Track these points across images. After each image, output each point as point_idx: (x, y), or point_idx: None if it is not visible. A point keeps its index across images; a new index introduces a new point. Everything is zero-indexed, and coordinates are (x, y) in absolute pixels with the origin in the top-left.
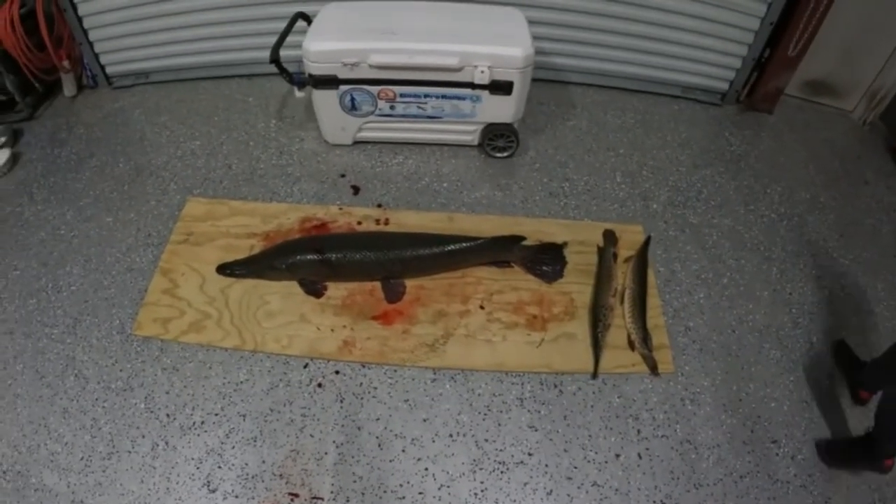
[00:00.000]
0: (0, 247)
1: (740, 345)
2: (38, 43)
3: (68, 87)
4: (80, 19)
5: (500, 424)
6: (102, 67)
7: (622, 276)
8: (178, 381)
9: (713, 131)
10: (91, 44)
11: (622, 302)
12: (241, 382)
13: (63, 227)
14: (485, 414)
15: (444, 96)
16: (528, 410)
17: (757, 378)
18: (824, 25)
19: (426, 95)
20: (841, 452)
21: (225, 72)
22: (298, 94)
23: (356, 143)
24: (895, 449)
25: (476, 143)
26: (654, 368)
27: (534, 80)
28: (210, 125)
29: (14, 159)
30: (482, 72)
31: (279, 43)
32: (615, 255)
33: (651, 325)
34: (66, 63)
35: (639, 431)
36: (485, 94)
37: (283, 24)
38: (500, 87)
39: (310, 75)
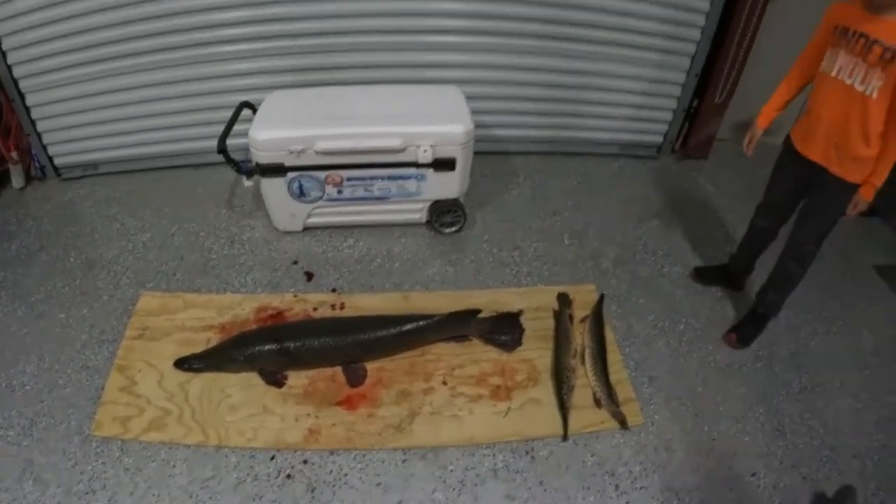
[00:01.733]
0: None
1: (705, 386)
2: None
3: (16, 179)
4: (27, 109)
5: (476, 498)
6: (51, 158)
7: (580, 337)
8: (142, 482)
9: (653, 184)
10: (39, 134)
11: (583, 362)
12: (208, 479)
13: (14, 324)
14: (459, 490)
15: (389, 177)
16: (503, 481)
17: (727, 416)
18: (746, 70)
19: (372, 178)
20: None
21: (174, 162)
22: (247, 183)
23: (307, 228)
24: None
25: (425, 220)
26: (623, 423)
27: (476, 153)
28: (161, 216)
29: None
30: (425, 151)
31: (225, 133)
32: (571, 317)
33: (615, 381)
34: (14, 154)
35: (617, 487)
36: (429, 172)
37: (229, 114)
38: (444, 165)
39: (257, 164)
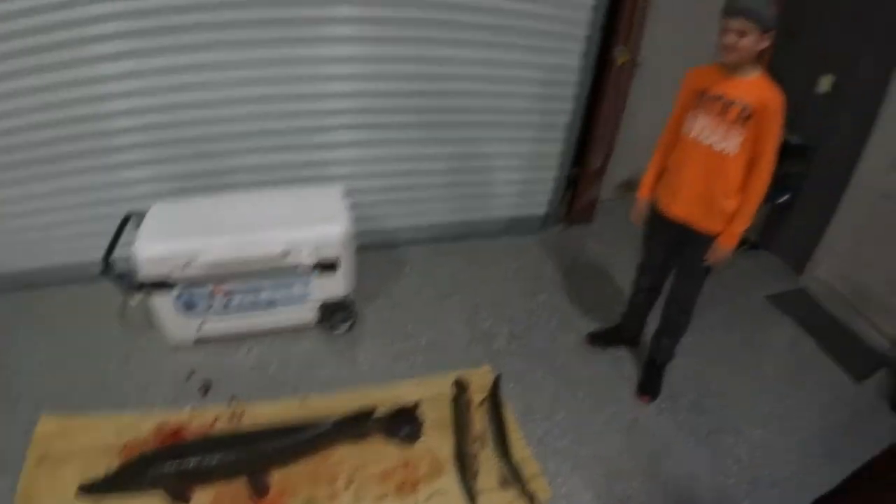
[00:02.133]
0: None
1: (612, 448)
2: None
3: None
4: None
5: None
6: None
7: (480, 420)
8: None
9: (541, 255)
10: None
11: (485, 445)
12: None
13: None
14: None
15: (275, 284)
16: None
17: (638, 473)
18: (620, 132)
19: (259, 285)
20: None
21: (63, 277)
22: (135, 299)
23: (200, 340)
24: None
25: (315, 322)
26: (532, 500)
27: (364, 246)
28: (51, 336)
29: None
30: (306, 255)
31: (110, 250)
32: (469, 402)
33: (519, 459)
34: None
35: None
36: (313, 274)
37: (115, 224)
38: (327, 267)
39: (142, 280)
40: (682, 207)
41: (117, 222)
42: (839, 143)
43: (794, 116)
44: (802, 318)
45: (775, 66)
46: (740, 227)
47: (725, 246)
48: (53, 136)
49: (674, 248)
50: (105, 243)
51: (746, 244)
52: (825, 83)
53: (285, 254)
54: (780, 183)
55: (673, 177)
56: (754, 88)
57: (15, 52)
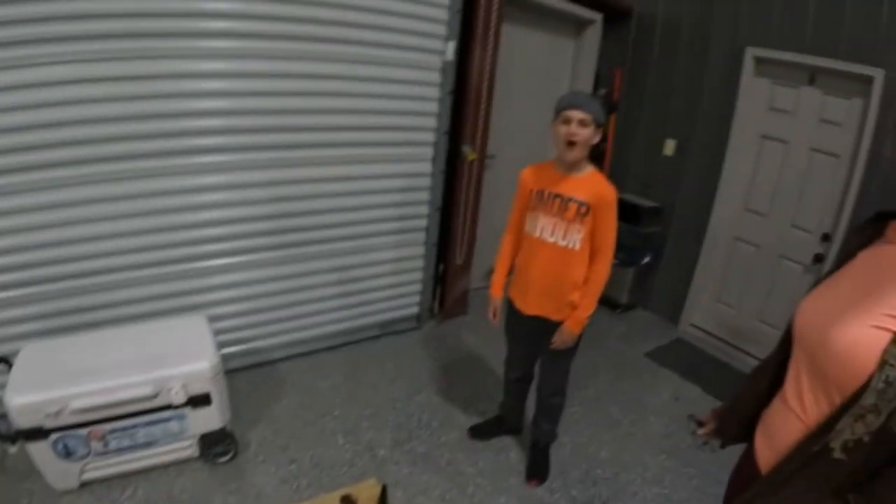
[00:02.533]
0: None
1: None
2: None
3: None
4: None
5: None
6: None
7: None
8: None
9: (419, 354)
10: None
11: None
12: None
13: None
14: None
15: (150, 423)
16: None
17: None
18: (482, 222)
19: (134, 426)
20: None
21: None
22: (11, 449)
23: (84, 485)
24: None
25: (197, 454)
26: None
27: (240, 369)
28: None
29: None
30: (176, 392)
31: None
32: None
33: None
34: None
35: None
36: (187, 410)
37: None
38: (199, 401)
39: (16, 430)
40: (534, 303)
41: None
42: (690, 199)
43: (648, 180)
44: (682, 367)
45: (623, 135)
46: (585, 312)
47: (571, 330)
48: None
49: (534, 338)
50: None
51: (619, 308)
52: (669, 147)
53: (156, 394)
54: (641, 246)
55: (522, 275)
56: (588, 184)
57: None
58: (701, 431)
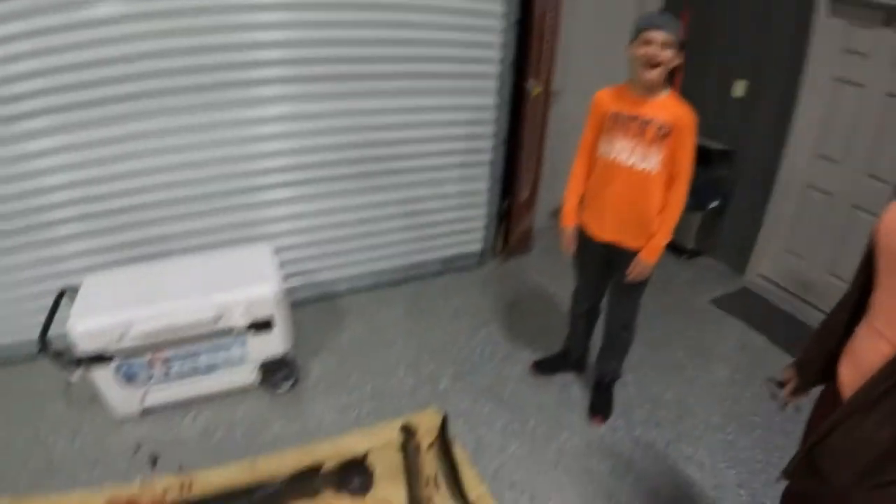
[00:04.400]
0: None
1: (569, 473)
2: None
3: None
4: None
5: None
6: None
7: (431, 463)
8: None
9: (481, 291)
10: None
11: (439, 488)
12: None
13: None
14: None
15: (212, 347)
16: None
17: (599, 495)
18: (546, 161)
19: (196, 351)
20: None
21: (3, 356)
22: (75, 375)
23: (145, 411)
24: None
25: (258, 382)
26: None
27: (302, 301)
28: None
29: None
30: (239, 316)
31: (45, 328)
32: (418, 447)
33: (475, 497)
34: None
35: None
36: (249, 335)
37: (50, 301)
38: (261, 326)
39: (80, 356)
40: (609, 229)
41: (52, 298)
42: (760, 143)
43: (714, 123)
44: (749, 316)
45: (691, 76)
46: (662, 241)
47: (647, 260)
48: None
49: (605, 269)
50: (42, 321)
51: (685, 254)
52: (739, 88)
53: (217, 317)
54: (709, 189)
55: (596, 200)
56: (667, 106)
57: None
58: (784, 391)
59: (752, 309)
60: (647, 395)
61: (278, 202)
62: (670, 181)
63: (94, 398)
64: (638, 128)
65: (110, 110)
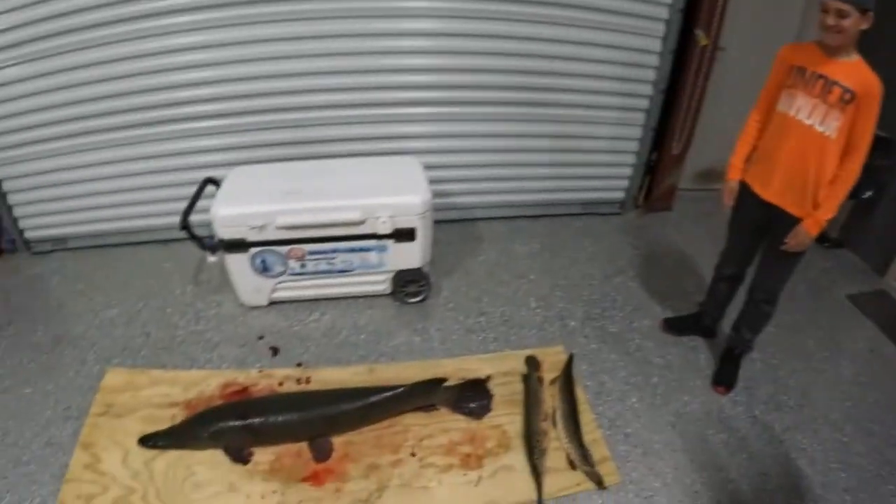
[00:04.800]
0: None
1: (684, 437)
2: None
3: None
4: None
5: None
6: (21, 232)
7: (551, 399)
8: None
9: (618, 239)
10: (10, 207)
11: (555, 424)
12: None
13: None
14: None
15: (351, 250)
16: None
17: (708, 465)
18: (701, 120)
19: (334, 251)
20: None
21: (142, 237)
22: (211, 259)
23: (272, 302)
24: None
25: (389, 291)
26: (599, 483)
27: (440, 221)
28: (128, 292)
29: None
30: (384, 222)
31: (188, 209)
32: (541, 380)
33: (589, 441)
34: None
35: None
36: (390, 243)
37: (193, 190)
38: (404, 235)
39: (220, 240)
40: (774, 189)
41: (194, 188)
42: None
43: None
44: (883, 321)
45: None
46: (827, 214)
47: (809, 231)
48: (128, 104)
49: (760, 233)
50: (182, 208)
51: (828, 242)
52: None
53: (362, 220)
54: (864, 177)
55: (767, 157)
56: (855, 71)
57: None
58: None
59: (887, 313)
60: (772, 377)
61: (424, 119)
62: (846, 152)
63: (221, 286)
64: (822, 87)
65: (259, 10)
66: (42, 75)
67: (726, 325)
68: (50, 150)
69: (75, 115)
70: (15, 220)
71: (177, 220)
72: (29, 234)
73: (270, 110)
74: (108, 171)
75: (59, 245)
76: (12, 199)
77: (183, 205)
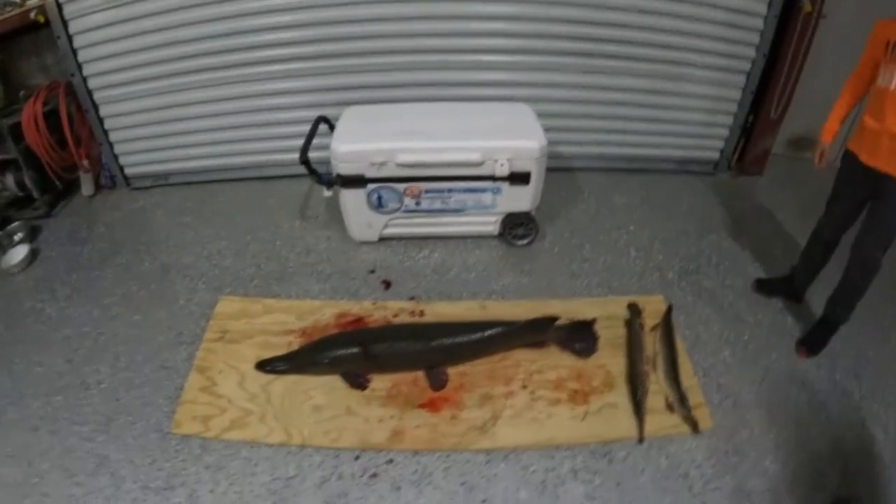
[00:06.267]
0: (21, 342)
1: (771, 393)
2: (59, 141)
3: (86, 187)
4: (101, 120)
5: (557, 498)
6: (121, 168)
7: (651, 344)
8: (224, 479)
9: (712, 199)
10: (111, 144)
11: (655, 368)
12: (291, 478)
13: (88, 325)
14: (541, 490)
15: (466, 190)
16: (583, 482)
17: (791, 423)
18: (800, 85)
19: (450, 190)
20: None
21: (244, 174)
22: (327, 193)
23: (382, 239)
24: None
25: (497, 232)
26: (694, 427)
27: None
28: (234, 226)
29: (32, 255)
30: (502, 165)
31: (306, 145)
32: (642, 326)
33: (686, 387)
34: (85, 162)
35: (690, 488)
36: (505, 185)
37: (296, 129)
38: (519, 178)
39: (338, 175)
40: (882, 156)
41: (292, 127)
42: None
43: None
44: None
45: None
46: None
47: None
48: (225, 45)
49: (863, 200)
50: (281, 146)
51: None
52: None
53: (481, 162)
54: None
55: (872, 127)
56: None
57: None
58: None
59: None
60: (854, 344)
61: (529, 66)
62: None
63: (329, 222)
64: None
65: None
66: (143, 16)
67: (812, 291)
68: (153, 89)
69: (180, 55)
70: (115, 157)
71: (278, 157)
72: (129, 171)
73: (372, 53)
74: (209, 110)
75: (160, 181)
76: (114, 136)
77: (283, 143)
